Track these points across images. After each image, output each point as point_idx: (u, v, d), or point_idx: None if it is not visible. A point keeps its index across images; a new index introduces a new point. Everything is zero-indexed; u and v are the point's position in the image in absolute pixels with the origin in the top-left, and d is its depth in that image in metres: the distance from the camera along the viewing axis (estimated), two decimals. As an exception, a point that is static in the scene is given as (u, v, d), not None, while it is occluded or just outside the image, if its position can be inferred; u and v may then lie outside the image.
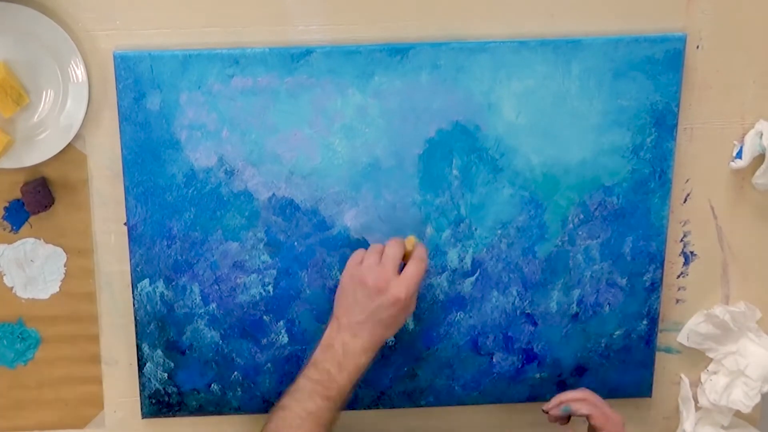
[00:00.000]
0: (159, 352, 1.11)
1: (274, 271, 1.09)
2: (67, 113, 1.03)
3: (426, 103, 1.05)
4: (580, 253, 1.10)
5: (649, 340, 1.14)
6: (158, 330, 1.10)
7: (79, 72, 1.02)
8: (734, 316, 1.12)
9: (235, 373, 1.12)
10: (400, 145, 1.06)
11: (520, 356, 1.14)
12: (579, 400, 1.06)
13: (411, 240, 1.04)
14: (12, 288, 1.09)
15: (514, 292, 1.11)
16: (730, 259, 1.14)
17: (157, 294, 1.09)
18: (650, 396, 1.17)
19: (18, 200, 1.06)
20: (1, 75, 0.99)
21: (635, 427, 1.18)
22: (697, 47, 1.06)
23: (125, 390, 1.13)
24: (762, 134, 1.07)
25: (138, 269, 1.08)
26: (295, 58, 1.03)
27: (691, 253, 1.13)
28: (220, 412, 1.14)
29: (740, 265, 1.14)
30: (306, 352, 1.08)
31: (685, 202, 1.11)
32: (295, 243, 1.08)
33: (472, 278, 1.11)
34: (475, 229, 1.09)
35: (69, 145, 1.04)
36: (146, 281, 1.08)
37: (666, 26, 1.05)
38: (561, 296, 1.12)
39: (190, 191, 1.06)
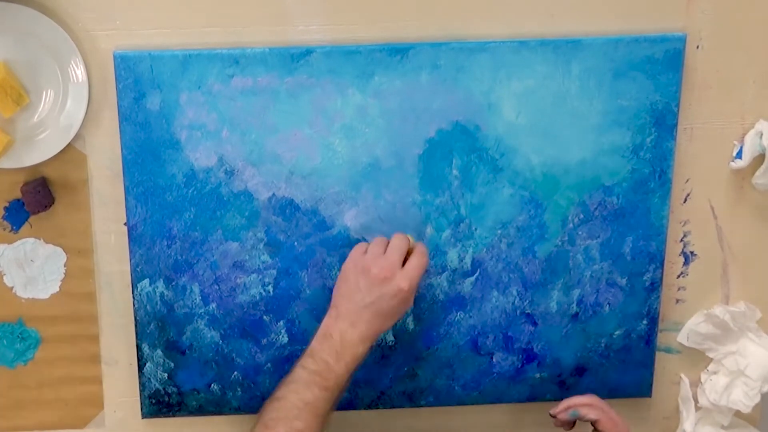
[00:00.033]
0: (159, 352, 1.11)
1: (274, 271, 1.09)
2: (67, 113, 1.03)
3: (426, 103, 1.05)
4: (580, 252, 1.10)
5: (649, 340, 1.14)
6: (158, 330, 1.10)
7: (79, 72, 1.02)
8: (734, 316, 1.12)
9: (235, 373, 1.12)
10: (400, 145, 1.06)
11: (520, 356, 1.14)
12: (587, 405, 1.06)
13: (410, 239, 1.04)
14: (12, 288, 1.09)
15: (514, 292, 1.11)
16: (730, 259, 1.14)
17: (157, 294, 1.09)
18: (650, 396, 1.17)
19: (18, 200, 1.06)
20: (1, 75, 0.99)
21: (635, 427, 1.17)
22: (697, 47, 1.06)
23: (125, 390, 1.13)
24: (762, 134, 1.07)
25: (138, 269, 1.08)
26: (295, 58, 1.03)
27: (691, 253, 1.13)
28: (220, 412, 1.14)
29: (740, 265, 1.14)
30: (306, 352, 1.08)
31: (685, 202, 1.11)
32: (295, 243, 1.08)
33: (472, 278, 1.10)
34: (475, 229, 1.09)
35: (69, 145, 1.04)
36: (146, 281, 1.08)
37: (666, 26, 1.05)
38: (561, 296, 1.12)
39: (190, 191, 1.06)
